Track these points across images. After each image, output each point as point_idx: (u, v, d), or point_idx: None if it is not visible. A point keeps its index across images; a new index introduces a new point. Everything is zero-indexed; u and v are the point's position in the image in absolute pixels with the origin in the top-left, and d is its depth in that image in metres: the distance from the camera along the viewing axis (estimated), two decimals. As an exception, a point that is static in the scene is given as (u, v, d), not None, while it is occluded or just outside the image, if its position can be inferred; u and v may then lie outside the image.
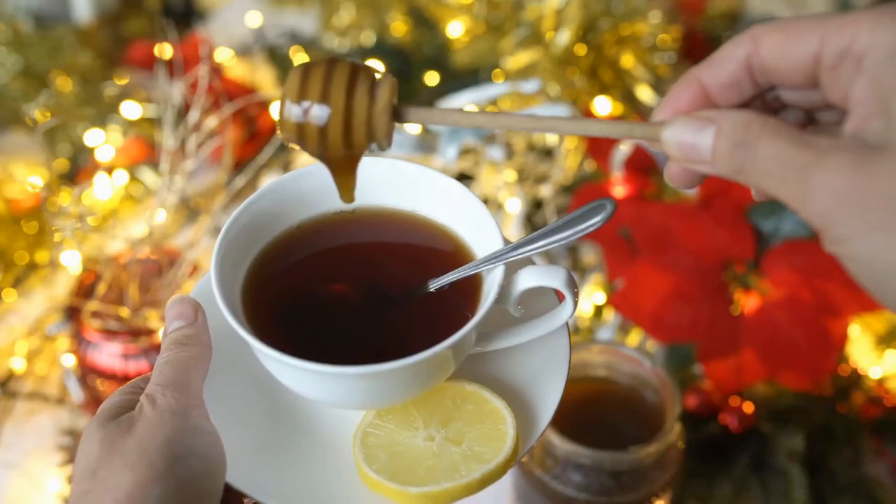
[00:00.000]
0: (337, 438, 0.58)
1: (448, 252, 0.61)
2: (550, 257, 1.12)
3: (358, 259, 0.62)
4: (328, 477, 0.57)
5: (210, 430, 0.53)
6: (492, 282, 0.56)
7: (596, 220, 0.53)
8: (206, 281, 0.61)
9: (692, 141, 0.45)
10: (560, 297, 0.57)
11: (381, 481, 0.54)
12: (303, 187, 0.62)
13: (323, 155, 0.51)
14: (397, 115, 0.50)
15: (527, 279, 0.56)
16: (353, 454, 0.57)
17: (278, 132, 0.50)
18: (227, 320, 0.53)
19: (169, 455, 0.49)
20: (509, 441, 0.55)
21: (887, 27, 0.41)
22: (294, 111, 0.49)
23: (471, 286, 0.58)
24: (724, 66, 0.46)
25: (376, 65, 1.31)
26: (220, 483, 0.52)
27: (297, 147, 0.51)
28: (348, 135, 0.49)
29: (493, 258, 0.56)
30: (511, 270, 0.56)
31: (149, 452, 0.49)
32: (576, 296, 0.55)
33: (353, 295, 0.60)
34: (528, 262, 0.61)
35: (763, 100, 0.49)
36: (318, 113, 0.48)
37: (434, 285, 0.58)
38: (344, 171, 0.54)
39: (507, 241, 0.57)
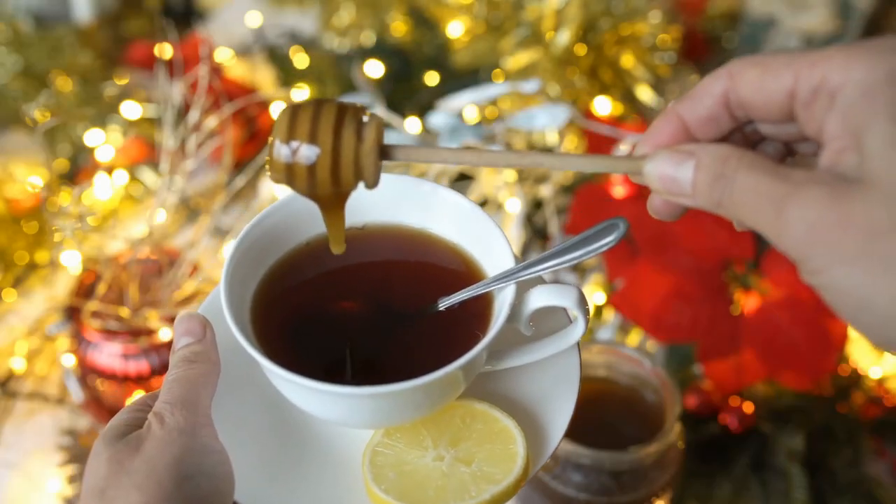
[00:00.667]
0: (345, 457, 0.58)
1: (458, 270, 0.61)
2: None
3: (367, 276, 0.61)
4: (336, 496, 0.56)
5: (218, 448, 0.53)
6: (503, 301, 0.55)
7: (609, 240, 0.53)
8: (214, 297, 0.61)
9: (673, 174, 0.46)
10: (570, 314, 0.57)
11: (390, 501, 0.54)
12: (313, 204, 0.61)
13: (312, 193, 0.51)
14: (385, 154, 0.51)
15: (538, 298, 0.55)
16: (361, 473, 0.57)
17: (268, 172, 0.51)
18: (235, 337, 0.53)
19: (177, 475, 0.49)
20: (519, 461, 0.55)
21: (859, 64, 0.41)
22: (283, 151, 0.50)
23: (481, 305, 0.58)
24: (703, 101, 0.47)
25: (376, 65, 1.31)
26: (229, 502, 0.52)
27: (286, 186, 0.51)
28: (336, 174, 0.50)
29: (504, 277, 0.56)
30: (522, 289, 0.56)
31: (157, 472, 0.49)
32: (587, 314, 0.55)
33: (363, 313, 0.60)
34: (539, 279, 0.61)
35: (742, 132, 0.50)
36: (307, 153, 0.49)
37: (444, 304, 0.58)
38: (333, 209, 0.54)
39: (518, 259, 0.57)
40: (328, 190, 0.51)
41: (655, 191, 0.48)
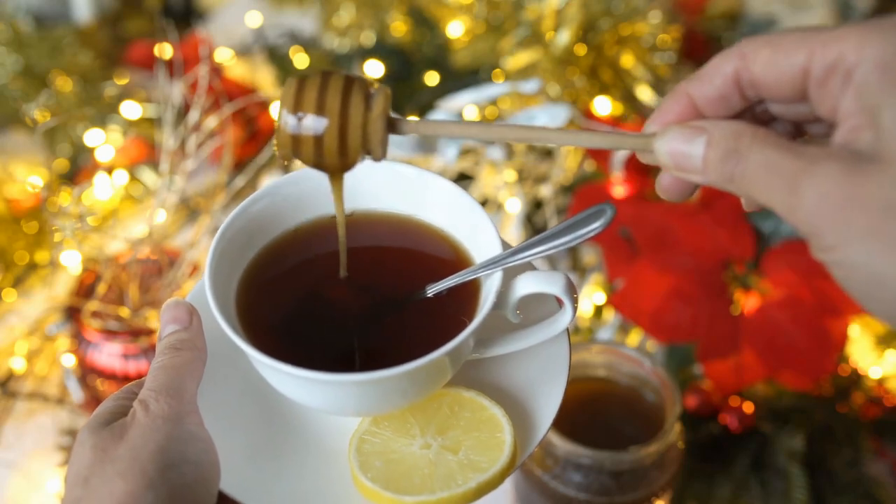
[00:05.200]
0: (332, 445, 0.58)
1: (446, 257, 0.60)
2: (551, 258, 1.12)
3: (354, 263, 0.61)
4: (322, 484, 0.56)
5: (204, 436, 0.52)
6: (489, 287, 0.55)
7: (596, 226, 0.53)
8: (202, 284, 0.60)
9: (684, 150, 0.46)
10: (559, 302, 0.57)
11: (376, 489, 0.54)
12: (300, 190, 0.61)
13: (319, 164, 0.51)
14: (392, 127, 0.50)
15: (525, 285, 0.55)
16: (348, 461, 0.57)
17: (274, 148, 0.51)
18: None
19: (161, 462, 0.49)
20: (507, 449, 0.55)
21: (874, 42, 0.41)
22: (290, 121, 0.49)
23: (469, 291, 0.58)
24: (713, 80, 0.47)
25: (376, 65, 1.31)
26: (214, 490, 0.52)
27: (293, 159, 0.51)
28: (343, 143, 0.49)
29: (491, 264, 0.56)
30: (510, 275, 0.56)
31: (141, 460, 0.49)
32: (575, 302, 0.55)
33: (350, 300, 0.59)
34: (529, 266, 0.61)
35: (752, 112, 0.49)
36: (314, 123, 0.49)
37: (431, 290, 0.58)
38: (337, 182, 0.54)
39: (506, 246, 0.57)
40: (335, 161, 0.50)
41: (665, 167, 0.48)
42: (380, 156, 0.51)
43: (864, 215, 0.40)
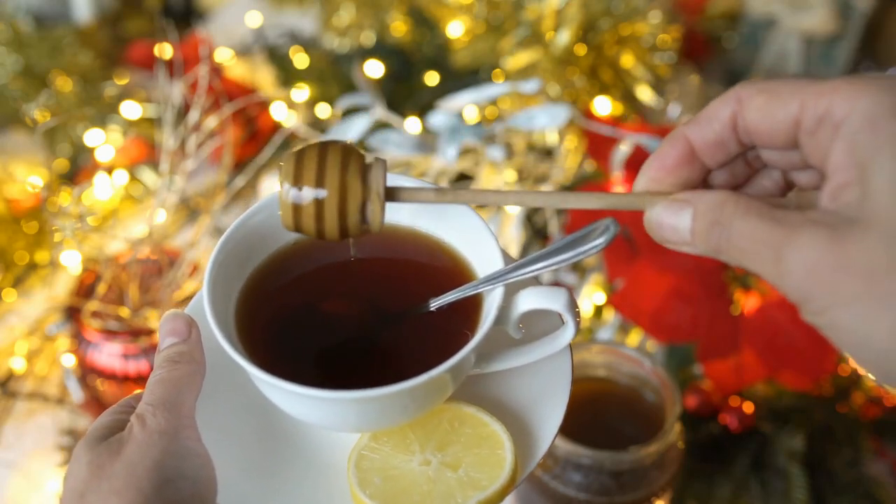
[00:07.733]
0: (331, 461, 0.57)
1: (448, 270, 0.60)
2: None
3: (356, 276, 0.60)
4: (321, 500, 0.56)
5: (201, 451, 0.52)
6: (491, 303, 0.55)
7: (599, 242, 0.52)
8: (201, 296, 0.61)
9: (673, 223, 0.47)
10: (562, 318, 0.56)
11: None
12: None
13: (320, 235, 0.53)
14: (390, 196, 0.53)
15: (527, 301, 0.55)
16: (346, 477, 0.56)
17: (279, 214, 0.53)
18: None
19: (157, 479, 0.49)
20: (507, 467, 0.54)
21: (863, 95, 0.42)
22: (291, 194, 0.52)
23: (471, 306, 0.57)
24: (711, 125, 0.48)
25: (376, 65, 1.31)
26: None
27: (295, 230, 0.53)
28: (343, 217, 0.52)
29: (493, 279, 0.55)
30: (512, 290, 0.55)
31: (137, 476, 0.49)
32: (577, 317, 0.55)
33: (350, 314, 0.59)
34: (531, 280, 0.60)
35: (745, 158, 0.50)
36: (315, 195, 0.51)
37: (433, 305, 0.57)
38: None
39: (509, 259, 0.56)
40: (335, 233, 0.52)
41: (658, 240, 0.48)
42: (377, 229, 0.53)
43: (849, 281, 0.40)
